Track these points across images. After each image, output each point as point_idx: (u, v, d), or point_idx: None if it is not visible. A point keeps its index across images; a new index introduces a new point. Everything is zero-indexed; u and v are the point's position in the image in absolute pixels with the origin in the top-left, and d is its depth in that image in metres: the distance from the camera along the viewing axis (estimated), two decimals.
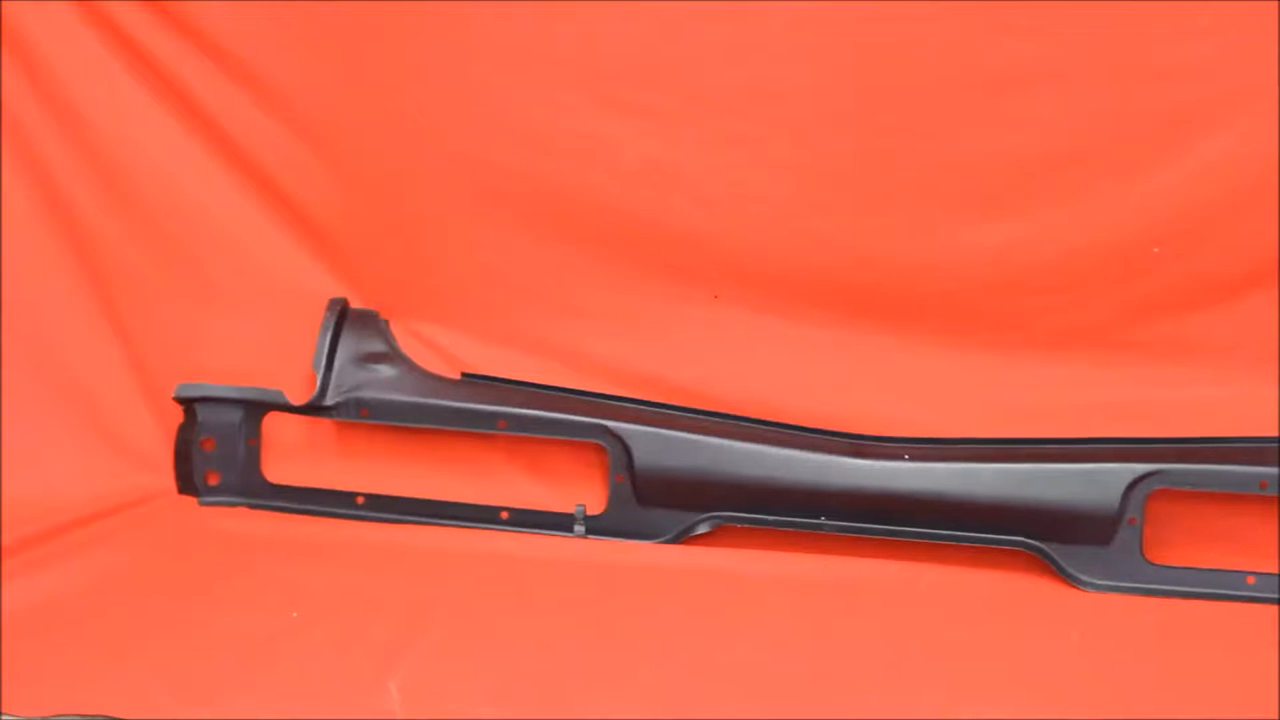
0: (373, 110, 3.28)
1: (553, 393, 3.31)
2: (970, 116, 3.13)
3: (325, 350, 3.30)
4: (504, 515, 3.30)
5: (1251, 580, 3.08)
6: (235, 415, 3.33)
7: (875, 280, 3.26)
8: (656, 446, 3.21)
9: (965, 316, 3.26)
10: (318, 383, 3.29)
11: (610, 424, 3.23)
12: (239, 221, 3.38)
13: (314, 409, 3.30)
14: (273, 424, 3.36)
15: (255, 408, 3.34)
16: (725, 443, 3.20)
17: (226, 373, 3.35)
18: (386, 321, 3.38)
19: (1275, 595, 3.06)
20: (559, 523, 3.28)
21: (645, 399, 3.32)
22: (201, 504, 3.35)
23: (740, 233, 3.25)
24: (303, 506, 3.34)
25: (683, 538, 3.24)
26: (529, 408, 3.25)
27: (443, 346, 3.39)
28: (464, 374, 3.35)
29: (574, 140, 3.24)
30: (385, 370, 3.32)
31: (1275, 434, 3.13)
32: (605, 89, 3.21)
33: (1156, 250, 3.14)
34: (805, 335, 3.31)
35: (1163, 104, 3.08)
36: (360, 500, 3.32)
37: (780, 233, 3.24)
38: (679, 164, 3.22)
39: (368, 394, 3.29)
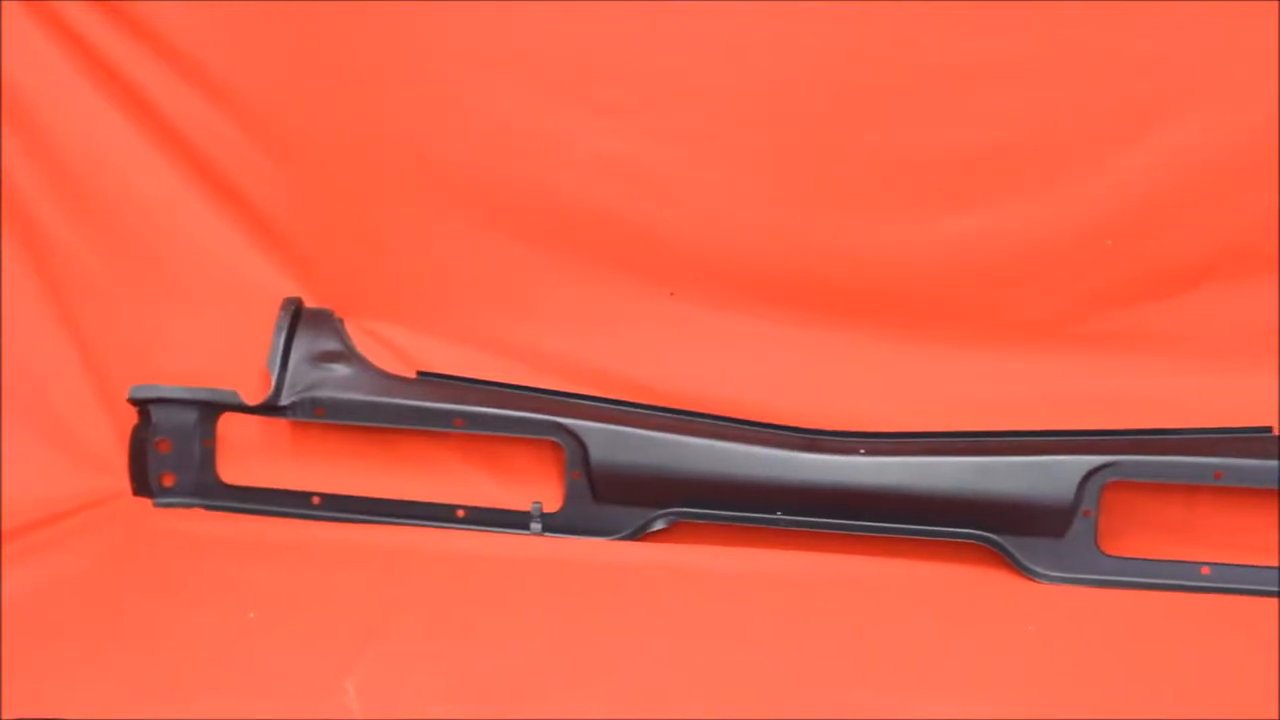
0: (327, 109, 3.30)
1: (509, 390, 3.34)
2: (927, 111, 3.17)
3: (280, 350, 3.32)
4: (460, 514, 3.33)
5: (1206, 571, 3.13)
6: (190, 416, 3.35)
7: (832, 275, 3.29)
8: (613, 443, 3.24)
9: (921, 310, 3.30)
10: (272, 383, 3.31)
11: (566, 421, 3.25)
12: (193, 222, 3.39)
13: (269, 409, 3.32)
14: (228, 424, 3.37)
15: (210, 408, 3.35)
16: (681, 439, 3.23)
17: (181, 373, 3.36)
18: (341, 320, 3.40)
19: (1229, 585, 3.12)
20: (516, 520, 3.32)
21: (601, 396, 3.35)
22: (156, 505, 3.37)
23: (699, 229, 3.28)
24: (258, 507, 3.36)
25: (640, 534, 3.27)
26: (485, 405, 3.28)
27: (398, 345, 3.41)
28: (419, 372, 3.37)
29: (529, 137, 3.26)
30: (340, 369, 3.34)
31: (1225, 425, 3.19)
32: (561, 86, 3.23)
33: (1109, 243, 3.18)
34: (762, 330, 3.35)
35: (1114, 96, 3.11)
36: (316, 500, 3.35)
37: (738, 228, 3.27)
38: (637, 160, 3.25)
39: (323, 393, 3.31)
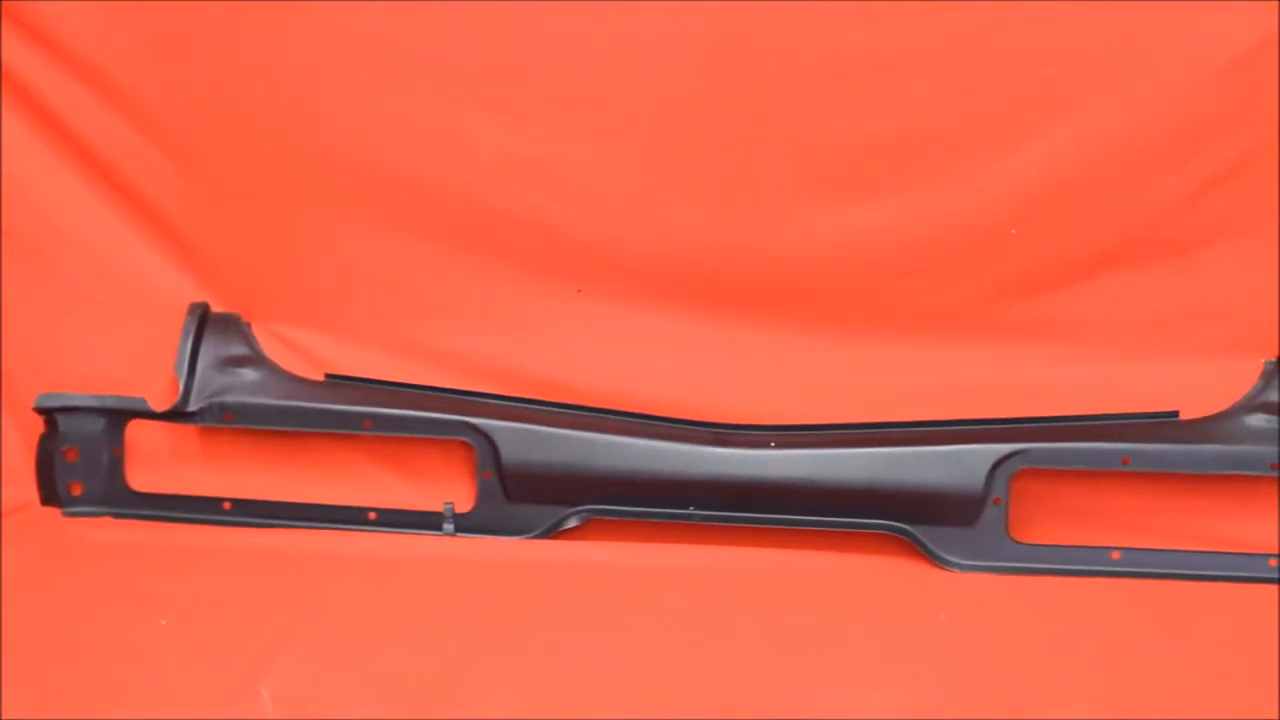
0: (228, 112, 3.33)
1: (417, 391, 3.38)
2: (826, 103, 3.23)
3: (187, 355, 3.35)
4: (372, 516, 3.36)
5: (1116, 555, 3.19)
6: (97, 424, 3.36)
7: (737, 269, 3.34)
8: (523, 442, 3.28)
9: (827, 302, 3.36)
10: (180, 388, 3.33)
11: (476, 421, 3.29)
12: (96, 228, 3.41)
13: (177, 415, 3.34)
14: (136, 431, 3.39)
15: (117, 416, 3.37)
16: (592, 436, 3.28)
17: (88, 381, 3.38)
18: (249, 324, 3.42)
19: (1139, 570, 3.19)
20: (427, 522, 3.35)
21: (511, 395, 3.39)
22: (66, 515, 3.38)
23: (602, 225, 3.33)
24: (169, 514, 3.38)
25: (552, 532, 3.31)
26: (394, 407, 3.31)
27: (306, 348, 3.44)
28: (328, 375, 3.41)
29: (433, 137, 3.30)
30: (248, 374, 3.37)
31: (1131, 411, 3.27)
32: (463, 85, 3.27)
33: (1013, 232, 3.25)
34: (669, 326, 3.40)
35: (1015, 87, 3.18)
36: (227, 505, 3.37)
37: (641, 224, 3.33)
38: (538, 158, 3.30)
39: (231, 398, 3.34)
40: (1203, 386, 3.27)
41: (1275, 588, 3.13)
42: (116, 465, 3.39)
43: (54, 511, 3.40)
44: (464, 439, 3.32)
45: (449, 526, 3.34)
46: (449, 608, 3.02)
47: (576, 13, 3.21)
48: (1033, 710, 2.66)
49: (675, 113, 3.26)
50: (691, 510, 3.28)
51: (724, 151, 3.27)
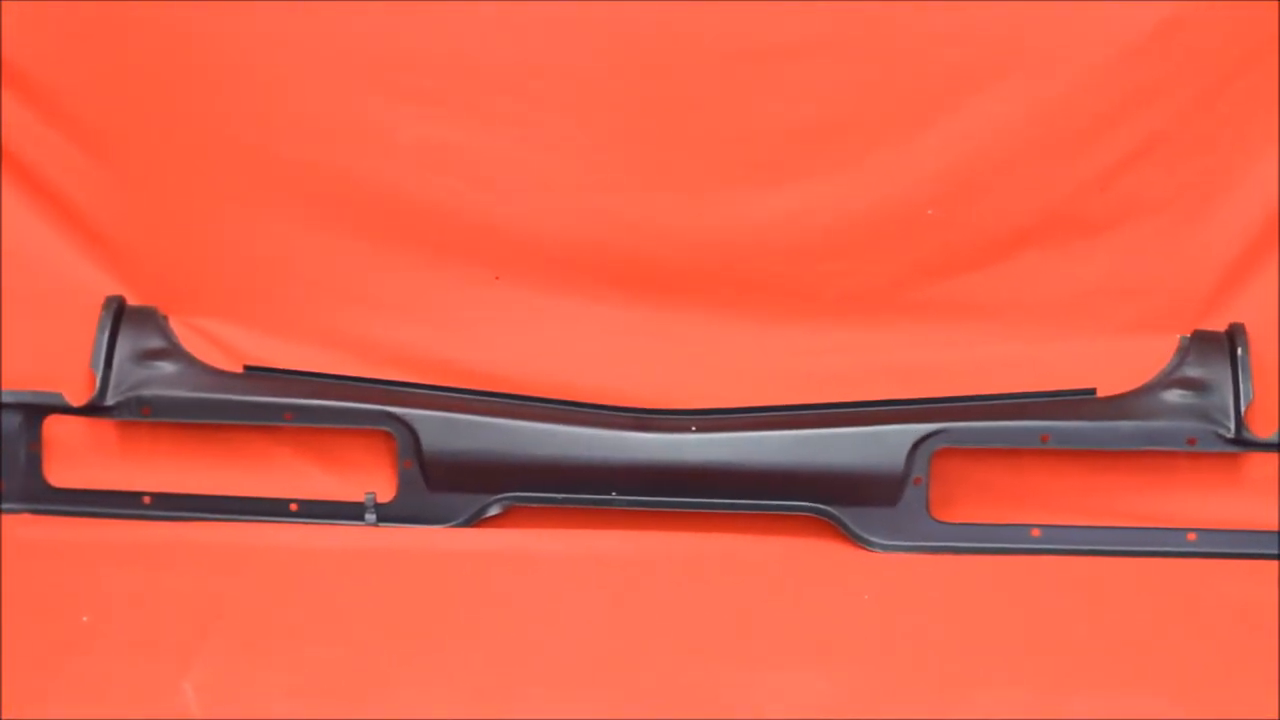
0: (142, 103, 3.35)
1: (337, 382, 3.41)
2: (744, 88, 3.29)
3: (103, 349, 3.36)
4: (293, 507, 3.38)
5: (1036, 533, 3.27)
6: (14, 420, 3.37)
7: (655, 254, 3.40)
8: (444, 430, 3.32)
9: (746, 286, 3.42)
10: (97, 383, 3.36)
11: (396, 410, 3.33)
12: (6, 220, 3.41)
13: (95, 409, 3.36)
14: (54, 427, 3.41)
15: (34, 411, 3.38)
16: (512, 423, 3.32)
17: (2, 377, 3.39)
18: (166, 317, 3.45)
19: (1059, 546, 3.27)
20: (349, 512, 3.38)
21: (431, 384, 3.43)
22: None
23: (521, 212, 3.38)
24: (88, 509, 3.39)
25: (475, 520, 3.35)
26: (314, 398, 3.35)
27: (224, 340, 3.46)
28: (247, 367, 3.44)
29: (350, 126, 3.34)
30: (166, 367, 3.39)
31: (1050, 389, 3.34)
32: (380, 74, 3.31)
33: (930, 212, 3.32)
34: (588, 312, 3.44)
35: (929, 69, 3.25)
36: (147, 500, 3.39)
37: (561, 211, 3.38)
38: (456, 146, 3.34)
39: (149, 392, 3.36)
40: (1119, 364, 3.35)
41: (1193, 561, 3.22)
42: (34, 461, 3.40)
43: None
44: (385, 428, 3.35)
45: (371, 516, 3.37)
46: (372, 598, 3.05)
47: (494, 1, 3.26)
48: (957, 688, 2.73)
49: (593, 99, 3.31)
50: (614, 496, 3.32)
51: (641, 137, 3.33)
